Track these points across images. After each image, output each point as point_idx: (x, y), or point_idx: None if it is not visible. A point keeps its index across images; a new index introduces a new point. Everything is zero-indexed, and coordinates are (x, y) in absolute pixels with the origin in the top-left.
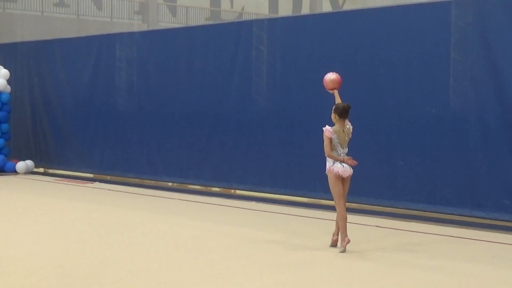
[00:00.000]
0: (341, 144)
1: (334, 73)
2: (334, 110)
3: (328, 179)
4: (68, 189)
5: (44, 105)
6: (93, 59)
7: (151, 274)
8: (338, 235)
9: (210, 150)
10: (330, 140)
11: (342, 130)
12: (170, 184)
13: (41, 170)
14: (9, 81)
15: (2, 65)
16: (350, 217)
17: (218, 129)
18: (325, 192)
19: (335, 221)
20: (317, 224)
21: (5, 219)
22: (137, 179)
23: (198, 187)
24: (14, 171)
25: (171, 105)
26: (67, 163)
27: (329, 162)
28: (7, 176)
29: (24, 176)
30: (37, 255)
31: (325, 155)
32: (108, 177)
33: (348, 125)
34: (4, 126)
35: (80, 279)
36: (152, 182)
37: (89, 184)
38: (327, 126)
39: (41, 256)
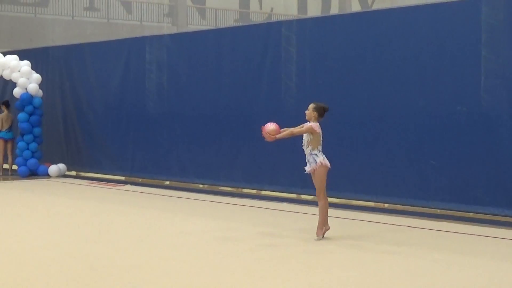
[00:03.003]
0: (322, 140)
1: (272, 123)
2: (316, 108)
3: (319, 173)
4: (100, 191)
5: (75, 108)
6: (123, 62)
7: (187, 276)
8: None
9: (240, 151)
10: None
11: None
12: (200, 186)
13: (73, 173)
14: (41, 86)
15: (34, 70)
16: (382, 217)
17: (247, 130)
18: (355, 192)
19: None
20: (348, 225)
21: (39, 221)
22: (168, 181)
23: (228, 188)
24: (46, 175)
25: (201, 107)
26: (99, 166)
27: (319, 156)
28: (40, 179)
29: (56, 180)
30: (71, 256)
31: (316, 148)
32: (139, 180)
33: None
34: (37, 130)
35: (113, 281)
36: (183, 184)
37: (121, 187)
38: (311, 123)
39: (76, 258)
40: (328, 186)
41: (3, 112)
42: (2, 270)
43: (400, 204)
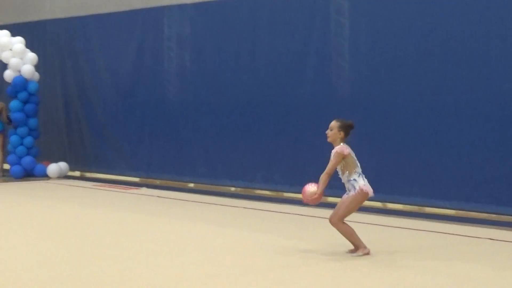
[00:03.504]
0: (357, 160)
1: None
2: (341, 127)
3: (356, 199)
4: (110, 196)
5: (79, 95)
6: (137, 38)
7: None
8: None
9: (280, 147)
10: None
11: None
12: (232, 189)
13: (77, 173)
14: (37, 67)
15: (28, 48)
16: (460, 229)
17: (290, 122)
18: (427, 197)
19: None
20: (420, 237)
21: (36, 233)
22: (192, 184)
23: (266, 192)
24: (45, 175)
25: (232, 94)
26: (108, 165)
27: (359, 181)
28: (37, 181)
29: (57, 181)
30: (82, 279)
31: (354, 172)
32: (157, 182)
33: None
34: (32, 122)
35: None
36: (211, 187)
37: (135, 190)
38: (336, 147)
39: (90, 281)
40: (387, 189)
41: None
42: None
43: (485, 212)
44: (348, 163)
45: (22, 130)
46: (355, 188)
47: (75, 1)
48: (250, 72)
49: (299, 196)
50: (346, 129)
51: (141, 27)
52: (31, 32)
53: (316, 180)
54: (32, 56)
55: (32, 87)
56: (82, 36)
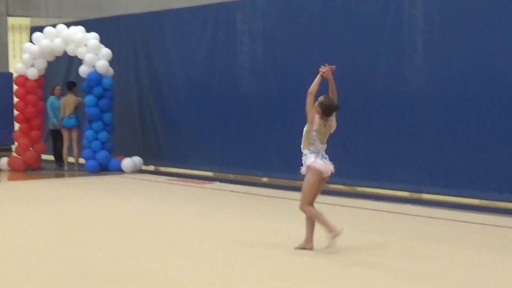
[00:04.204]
0: (320, 139)
1: None
2: (318, 104)
3: (307, 177)
4: (184, 190)
5: (153, 90)
6: (210, 33)
7: None
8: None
9: (354, 142)
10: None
11: (324, 125)
12: None
13: (151, 168)
14: (111, 63)
15: (103, 44)
16: (499, 220)
17: (363, 115)
18: (502, 192)
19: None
20: (496, 234)
21: (108, 227)
22: (266, 178)
23: (341, 186)
24: (119, 170)
25: (304, 88)
26: (182, 160)
27: (310, 157)
28: (111, 175)
29: (131, 176)
30: (148, 271)
31: (306, 148)
32: (231, 176)
33: (333, 122)
34: (107, 116)
35: None
36: (285, 181)
37: (208, 185)
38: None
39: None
40: (464, 184)
41: (66, 95)
42: None
43: None
44: (309, 135)
45: (97, 125)
46: (304, 163)
47: None
48: (322, 65)
49: (374, 190)
50: (322, 107)
51: (214, 22)
52: (106, 28)
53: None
54: (106, 51)
55: (106, 82)
56: (156, 31)
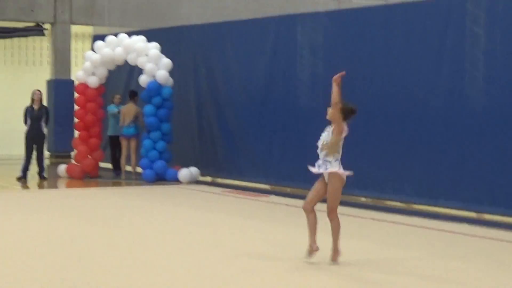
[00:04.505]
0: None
1: None
2: (343, 110)
3: (336, 185)
4: (239, 203)
5: (212, 101)
6: (270, 45)
7: None
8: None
9: (411, 158)
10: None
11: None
12: (363, 199)
13: (208, 179)
14: (171, 73)
15: (163, 54)
16: None
17: (421, 132)
18: None
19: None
20: None
21: (167, 241)
22: None
23: (397, 203)
24: (176, 180)
25: (365, 102)
26: (239, 172)
27: (335, 165)
28: (168, 185)
29: (187, 186)
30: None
31: (332, 156)
32: (288, 189)
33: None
34: (166, 126)
35: None
36: (342, 197)
37: (263, 198)
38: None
39: None
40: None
41: (126, 104)
42: None
43: None
44: (335, 144)
45: (155, 134)
46: (325, 168)
47: (211, 8)
48: (382, 81)
49: (431, 208)
50: (346, 113)
51: (275, 35)
52: (167, 38)
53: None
54: (166, 61)
55: (166, 92)
56: (217, 43)
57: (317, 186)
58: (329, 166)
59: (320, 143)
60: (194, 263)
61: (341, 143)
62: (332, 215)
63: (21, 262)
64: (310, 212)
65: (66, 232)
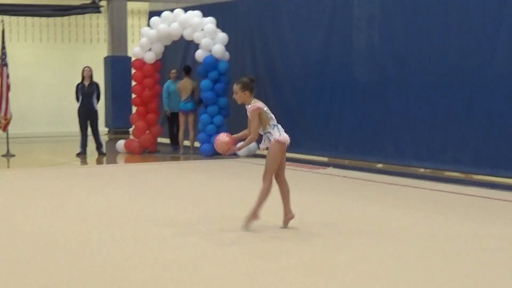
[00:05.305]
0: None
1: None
2: (243, 86)
3: (272, 150)
4: (297, 175)
5: (268, 75)
6: (326, 17)
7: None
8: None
9: (471, 128)
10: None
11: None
12: (421, 170)
13: (265, 152)
14: (227, 47)
15: (219, 28)
16: None
17: (480, 101)
18: None
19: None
20: None
21: (231, 214)
22: (380, 164)
23: (456, 174)
24: (233, 154)
25: (422, 73)
26: (297, 145)
27: (275, 133)
28: (226, 159)
29: (245, 160)
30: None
31: (268, 125)
32: (345, 162)
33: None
34: (222, 101)
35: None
36: (399, 168)
37: (321, 170)
38: (249, 106)
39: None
40: None
41: (182, 79)
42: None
43: None
44: (263, 118)
45: (212, 109)
46: (270, 140)
47: None
48: (439, 52)
49: (489, 178)
50: (247, 86)
51: (331, 7)
52: (222, 12)
53: None
54: (222, 36)
55: (222, 67)
56: (272, 16)
57: None
58: (271, 137)
59: None
60: (261, 237)
61: (265, 115)
62: (264, 178)
63: (85, 237)
64: (277, 184)
65: (129, 206)
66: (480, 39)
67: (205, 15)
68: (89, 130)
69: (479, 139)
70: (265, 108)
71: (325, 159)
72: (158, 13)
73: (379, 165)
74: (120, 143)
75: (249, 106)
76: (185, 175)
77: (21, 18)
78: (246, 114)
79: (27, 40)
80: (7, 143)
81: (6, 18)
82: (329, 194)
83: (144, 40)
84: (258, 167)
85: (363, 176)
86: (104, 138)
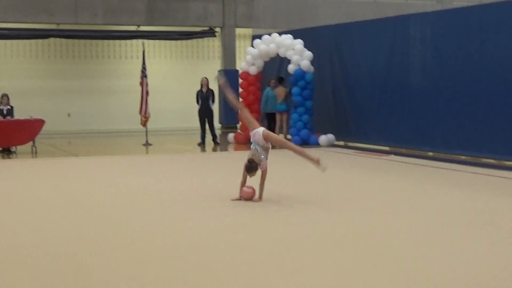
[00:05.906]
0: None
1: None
2: (246, 170)
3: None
4: (366, 161)
5: (344, 83)
6: (389, 39)
7: (432, 247)
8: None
9: (503, 124)
10: None
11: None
12: (463, 157)
13: (342, 143)
14: (312, 62)
15: (306, 48)
16: None
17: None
18: None
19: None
20: None
21: (296, 190)
22: (431, 152)
23: (491, 160)
24: (317, 144)
25: (464, 82)
26: (365, 137)
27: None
28: (310, 148)
29: (326, 149)
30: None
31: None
32: (403, 150)
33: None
34: (308, 103)
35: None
36: (446, 155)
37: (385, 157)
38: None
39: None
40: None
41: (278, 87)
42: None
43: None
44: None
45: (300, 109)
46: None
47: (342, 12)
48: (478, 65)
49: None
50: (248, 168)
51: (393, 31)
52: (308, 35)
53: None
54: (308, 54)
55: (308, 77)
56: (347, 38)
57: None
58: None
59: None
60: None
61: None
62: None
63: (200, 213)
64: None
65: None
66: (509, 58)
67: (295, 37)
68: (207, 126)
69: (509, 132)
70: (259, 150)
71: (387, 148)
72: (259, 37)
73: (430, 153)
74: (231, 136)
75: (261, 164)
76: (280, 160)
77: (157, 41)
78: (327, 114)
79: (160, 57)
80: (146, 135)
81: (146, 41)
82: (391, 176)
83: (249, 57)
84: (335, 154)
85: (417, 161)
86: (218, 132)
